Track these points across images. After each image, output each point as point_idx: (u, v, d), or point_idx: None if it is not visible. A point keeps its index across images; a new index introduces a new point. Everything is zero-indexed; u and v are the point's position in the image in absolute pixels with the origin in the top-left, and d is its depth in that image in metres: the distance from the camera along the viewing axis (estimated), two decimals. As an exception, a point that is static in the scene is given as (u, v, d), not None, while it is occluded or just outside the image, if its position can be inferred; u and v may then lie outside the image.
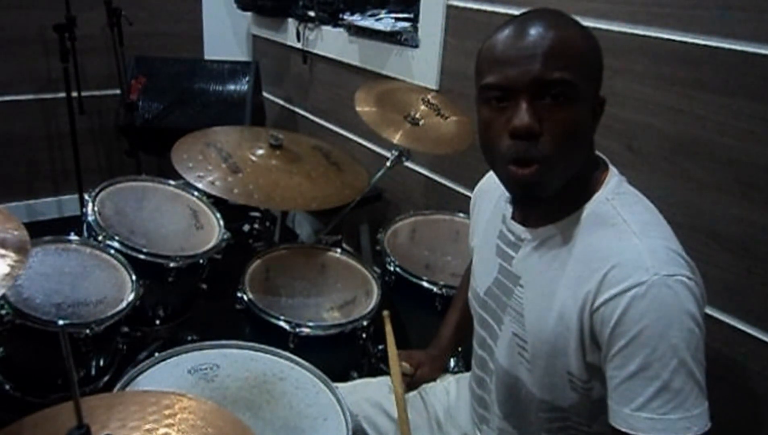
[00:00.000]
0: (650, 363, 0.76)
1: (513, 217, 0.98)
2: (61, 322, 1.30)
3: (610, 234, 0.84)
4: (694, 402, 0.76)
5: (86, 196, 1.66)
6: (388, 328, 1.26)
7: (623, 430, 0.79)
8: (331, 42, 2.57)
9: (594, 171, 0.91)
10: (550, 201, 0.87)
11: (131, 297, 1.44)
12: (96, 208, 1.62)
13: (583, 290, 0.83)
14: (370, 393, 1.23)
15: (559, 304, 0.87)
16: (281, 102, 3.14)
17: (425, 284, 1.57)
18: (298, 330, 1.41)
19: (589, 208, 0.88)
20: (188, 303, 1.81)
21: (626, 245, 0.81)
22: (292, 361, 1.21)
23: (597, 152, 0.93)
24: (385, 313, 1.29)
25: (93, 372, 1.45)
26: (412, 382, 1.24)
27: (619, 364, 0.79)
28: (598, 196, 0.88)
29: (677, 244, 0.83)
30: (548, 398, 0.94)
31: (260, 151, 1.73)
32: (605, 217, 0.86)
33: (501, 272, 0.99)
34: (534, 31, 0.81)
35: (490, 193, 1.08)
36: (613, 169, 0.92)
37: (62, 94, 2.53)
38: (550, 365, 0.90)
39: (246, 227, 2.00)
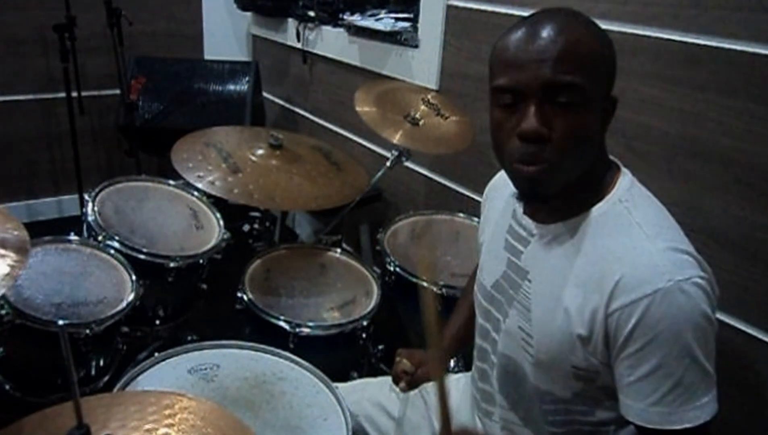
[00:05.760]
0: (665, 363, 0.79)
1: (524, 212, 0.98)
2: (61, 322, 1.30)
3: (623, 236, 0.85)
4: (704, 391, 0.80)
5: (86, 196, 1.66)
6: (431, 305, 1.02)
7: (637, 423, 0.83)
8: (331, 42, 2.57)
9: (606, 172, 0.91)
10: (558, 199, 0.88)
11: (131, 297, 1.44)
12: (96, 208, 1.62)
13: (595, 292, 0.84)
14: (371, 393, 1.23)
15: (567, 302, 0.88)
16: (281, 102, 3.14)
17: (425, 284, 1.57)
18: (298, 330, 1.41)
19: (601, 208, 0.88)
20: (188, 303, 1.81)
21: (639, 249, 0.82)
22: (292, 361, 1.21)
23: (611, 156, 0.94)
24: (430, 289, 1.11)
25: (93, 372, 1.45)
26: (412, 381, 1.25)
27: (633, 364, 0.81)
28: (610, 198, 0.88)
29: (687, 243, 0.85)
30: (551, 390, 0.94)
31: (260, 151, 1.73)
32: (617, 219, 0.86)
33: (509, 267, 1.00)
34: (545, 34, 0.81)
35: (502, 190, 1.09)
36: (625, 171, 0.92)
37: (62, 94, 2.53)
38: (555, 360, 0.91)
39: (246, 227, 2.00)
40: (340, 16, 2.47)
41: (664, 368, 0.79)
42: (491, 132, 0.90)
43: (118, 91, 2.56)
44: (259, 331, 1.46)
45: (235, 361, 1.19)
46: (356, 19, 2.32)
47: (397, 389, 1.19)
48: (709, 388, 0.81)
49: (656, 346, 0.79)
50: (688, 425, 0.79)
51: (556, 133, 0.82)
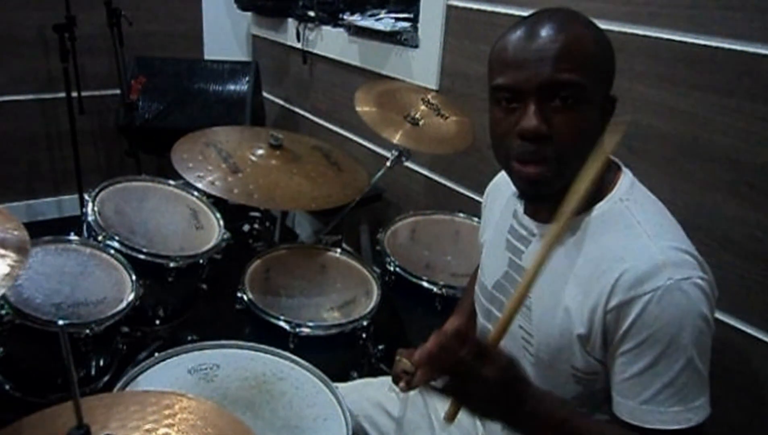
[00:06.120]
0: (659, 361, 0.79)
1: (525, 212, 0.98)
2: (61, 322, 1.30)
3: (623, 235, 0.85)
4: (697, 394, 0.80)
5: (86, 196, 1.66)
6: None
7: (627, 420, 0.82)
8: (331, 42, 2.57)
9: (607, 171, 0.92)
10: (559, 198, 0.88)
11: (131, 297, 1.44)
12: (96, 208, 1.62)
13: (595, 290, 0.84)
14: (371, 393, 1.23)
15: (567, 301, 0.88)
16: (281, 102, 3.14)
17: (425, 284, 1.57)
18: (298, 330, 1.41)
19: (602, 208, 0.88)
20: (188, 303, 1.81)
21: (640, 248, 0.82)
22: (292, 361, 1.21)
23: (611, 156, 0.94)
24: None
25: (93, 372, 1.45)
26: (412, 381, 1.24)
27: (628, 361, 0.81)
28: (611, 197, 0.89)
29: (688, 243, 0.85)
30: (551, 390, 0.94)
31: (260, 151, 1.73)
32: (618, 218, 0.87)
33: (510, 266, 1.00)
34: (544, 33, 0.82)
35: (503, 190, 1.09)
36: (626, 171, 0.92)
37: (62, 94, 2.53)
38: (555, 359, 0.91)
39: (246, 227, 2.00)
40: (340, 16, 2.47)
41: (658, 367, 0.79)
42: (490, 131, 0.90)
43: (118, 91, 2.56)
44: (259, 331, 1.46)
45: (235, 361, 1.19)
46: (356, 19, 2.32)
47: (397, 389, 1.19)
48: (702, 391, 0.80)
49: (652, 343, 0.79)
50: (678, 427, 0.79)
51: (555, 131, 0.82)
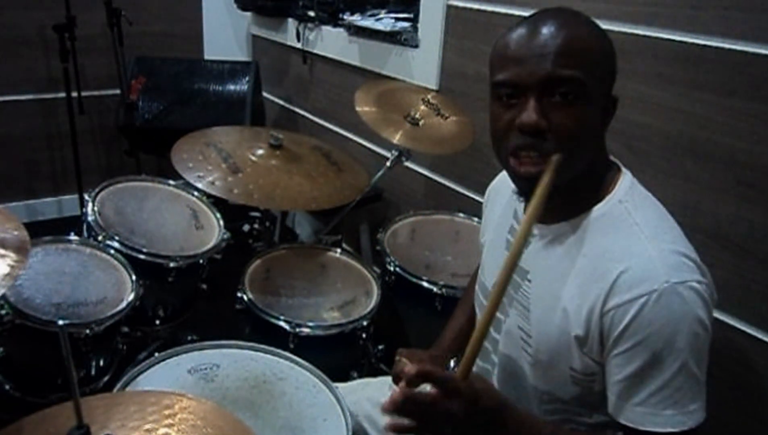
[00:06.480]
0: (654, 363, 0.79)
1: (525, 212, 0.98)
2: (61, 322, 1.28)
3: (622, 236, 0.85)
4: (692, 398, 0.80)
5: (86, 196, 1.66)
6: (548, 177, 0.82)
7: (621, 421, 0.83)
8: (331, 42, 2.57)
9: (607, 172, 0.92)
10: (559, 198, 0.88)
11: (131, 297, 1.44)
12: (96, 208, 1.62)
13: (593, 290, 0.84)
14: (371, 393, 1.23)
15: (565, 302, 0.88)
16: (281, 102, 3.14)
17: (425, 284, 1.57)
18: (298, 330, 1.41)
19: (602, 208, 0.88)
20: (188, 303, 1.81)
21: (638, 249, 0.82)
22: (292, 361, 1.21)
23: (611, 157, 0.94)
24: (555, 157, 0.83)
25: (93, 372, 1.45)
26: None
27: (623, 362, 0.81)
28: (611, 198, 0.89)
29: (687, 245, 0.85)
30: (550, 390, 0.95)
31: (260, 151, 1.73)
32: (617, 219, 0.87)
33: None
34: (546, 30, 0.82)
35: (503, 190, 1.09)
36: (625, 171, 0.93)
37: (62, 94, 2.53)
38: (553, 360, 0.91)
39: (246, 227, 2.00)
40: (340, 16, 2.47)
41: (652, 369, 0.79)
42: (491, 127, 0.90)
43: (118, 91, 2.56)
44: (259, 331, 1.46)
45: (235, 361, 1.19)
46: (356, 19, 2.32)
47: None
48: (698, 395, 0.80)
49: (646, 346, 0.79)
50: (671, 429, 0.79)
51: (554, 127, 0.82)
